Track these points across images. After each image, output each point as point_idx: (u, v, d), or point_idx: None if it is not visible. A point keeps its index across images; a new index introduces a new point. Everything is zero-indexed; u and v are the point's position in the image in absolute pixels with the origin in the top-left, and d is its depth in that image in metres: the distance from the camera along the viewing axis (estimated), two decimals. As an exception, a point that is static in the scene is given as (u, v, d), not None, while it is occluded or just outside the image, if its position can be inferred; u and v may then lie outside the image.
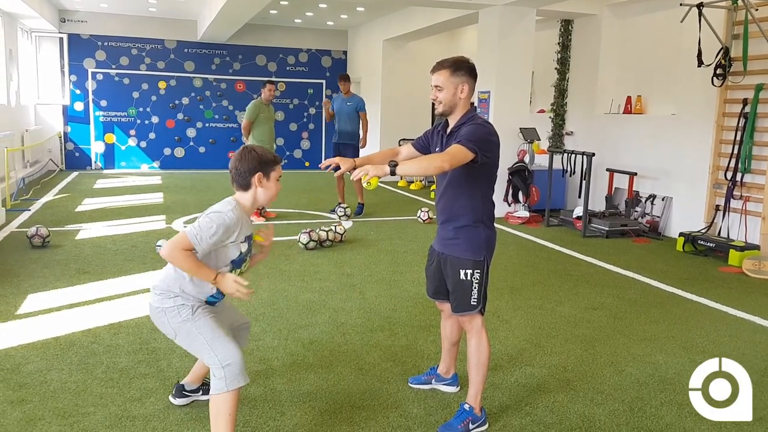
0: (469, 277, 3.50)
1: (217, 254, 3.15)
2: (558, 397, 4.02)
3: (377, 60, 16.02)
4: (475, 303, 3.52)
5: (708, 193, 8.68)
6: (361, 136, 10.51)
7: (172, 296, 3.15)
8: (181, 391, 3.74)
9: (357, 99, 10.48)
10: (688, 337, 5.17)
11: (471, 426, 3.53)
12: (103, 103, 16.48)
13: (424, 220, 9.81)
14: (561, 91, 11.75)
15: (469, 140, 3.29)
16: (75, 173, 15.64)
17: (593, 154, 9.47)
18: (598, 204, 10.49)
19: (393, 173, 3.20)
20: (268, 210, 9.88)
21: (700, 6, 8.03)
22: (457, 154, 3.26)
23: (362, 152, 10.72)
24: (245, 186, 3.20)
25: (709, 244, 8.12)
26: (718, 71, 8.28)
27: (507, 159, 10.06)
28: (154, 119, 16.94)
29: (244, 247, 3.22)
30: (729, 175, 8.28)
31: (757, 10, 7.79)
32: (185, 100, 17.08)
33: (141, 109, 16.80)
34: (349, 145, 10.28)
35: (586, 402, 3.96)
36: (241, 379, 3.11)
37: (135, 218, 9.76)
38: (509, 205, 10.48)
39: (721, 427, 3.66)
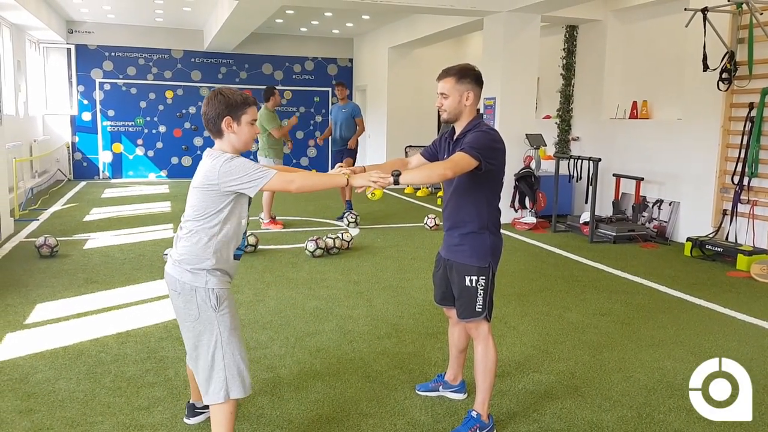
0: (474, 284, 3.51)
1: (238, 201, 3.05)
2: (566, 403, 4.01)
3: (383, 67, 16.06)
4: (480, 309, 3.52)
5: (715, 198, 8.66)
6: (357, 142, 10.60)
7: (205, 274, 3.01)
8: (193, 410, 3.68)
9: (352, 105, 10.62)
10: (697, 342, 5.16)
11: (478, 433, 3.53)
12: (111, 113, 16.56)
13: (430, 227, 9.81)
14: (567, 97, 11.75)
15: (473, 147, 3.31)
16: (83, 183, 15.71)
17: (599, 160, 9.46)
18: (605, 209, 10.47)
19: (397, 182, 3.21)
20: (274, 220, 9.88)
21: (704, 10, 8.03)
22: (461, 161, 3.27)
23: (358, 158, 10.81)
24: (217, 132, 3.06)
25: (716, 248, 8.09)
26: (724, 75, 8.28)
27: (513, 165, 10.06)
28: (162, 128, 17.00)
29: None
30: (736, 179, 8.25)
31: (761, 14, 7.79)
32: (192, 110, 17.14)
33: (148, 119, 16.88)
34: (346, 151, 10.40)
35: (594, 408, 3.95)
36: (245, 388, 3.07)
37: (143, 227, 9.79)
38: (516, 211, 10.47)
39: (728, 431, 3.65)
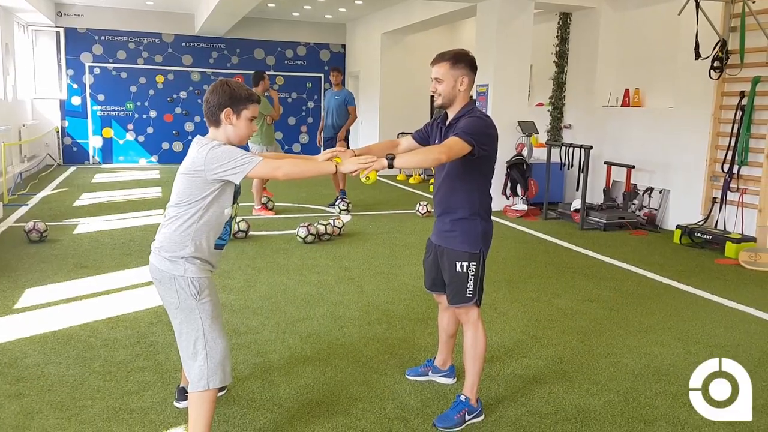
0: (464, 270, 3.51)
1: (224, 190, 3.03)
2: (554, 388, 4.04)
3: (376, 53, 16.00)
4: (470, 295, 3.54)
5: (705, 186, 8.69)
6: (349, 131, 10.58)
7: (183, 262, 3.00)
8: (183, 394, 3.64)
9: (345, 93, 10.57)
10: (684, 328, 5.19)
11: (467, 417, 3.55)
12: (101, 97, 16.45)
13: (422, 214, 9.81)
14: (559, 84, 11.73)
15: (467, 133, 3.31)
16: (73, 168, 15.63)
17: (591, 147, 9.48)
18: (596, 197, 10.49)
19: (391, 166, 3.21)
20: (266, 207, 9.85)
21: (697, -2, 8.02)
22: (455, 146, 3.28)
23: (351, 143, 10.79)
24: (215, 122, 3.06)
25: (705, 236, 8.13)
26: (716, 64, 8.28)
27: (505, 152, 10.06)
28: (152, 113, 16.91)
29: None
30: (726, 167, 8.28)
31: (754, 2, 7.79)
32: (183, 94, 17.06)
33: (139, 104, 16.78)
34: (336, 138, 10.37)
35: (582, 393, 3.98)
36: (224, 378, 3.07)
37: (133, 213, 9.77)
38: (507, 199, 10.49)
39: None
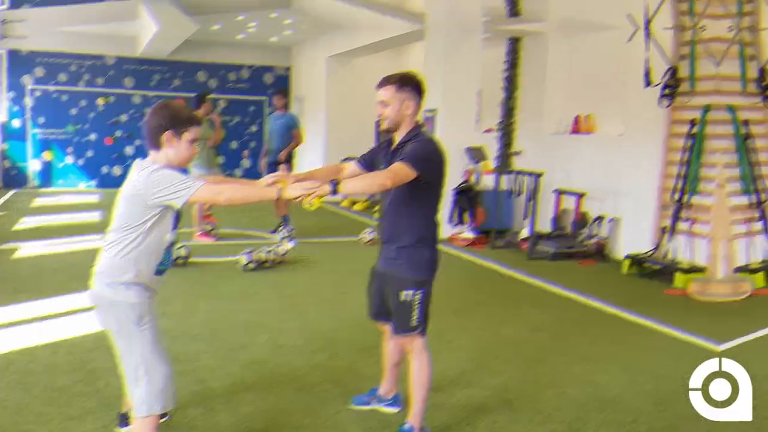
0: (410, 298, 3.47)
1: (164, 214, 2.97)
2: (498, 417, 4.01)
3: (321, 77, 15.96)
4: (416, 324, 3.49)
5: (656, 214, 8.60)
6: (291, 154, 10.47)
7: (123, 288, 2.95)
8: (125, 420, 3.56)
9: (288, 116, 10.48)
10: (629, 357, 5.20)
11: (412, 445, 3.49)
12: (41, 120, 16.08)
13: (368, 241, 9.72)
14: (509, 110, 11.69)
15: (412, 158, 3.29)
16: (12, 191, 15.19)
17: (540, 175, 9.46)
18: (547, 224, 10.38)
19: (335, 192, 3.14)
20: (209, 235, 9.65)
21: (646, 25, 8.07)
22: (399, 171, 3.25)
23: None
24: (156, 144, 3.00)
25: (655, 265, 8.12)
26: (666, 91, 8.28)
27: (453, 178, 10.02)
28: (92, 137, 16.57)
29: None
30: (676, 196, 8.25)
31: (703, 30, 7.86)
32: (124, 117, 16.76)
33: (79, 126, 16.44)
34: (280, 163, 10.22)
35: (526, 422, 3.95)
36: (167, 404, 3.02)
37: (73, 236, 9.47)
38: (455, 226, 10.45)
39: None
